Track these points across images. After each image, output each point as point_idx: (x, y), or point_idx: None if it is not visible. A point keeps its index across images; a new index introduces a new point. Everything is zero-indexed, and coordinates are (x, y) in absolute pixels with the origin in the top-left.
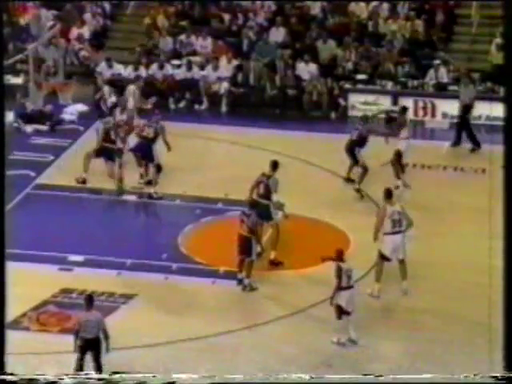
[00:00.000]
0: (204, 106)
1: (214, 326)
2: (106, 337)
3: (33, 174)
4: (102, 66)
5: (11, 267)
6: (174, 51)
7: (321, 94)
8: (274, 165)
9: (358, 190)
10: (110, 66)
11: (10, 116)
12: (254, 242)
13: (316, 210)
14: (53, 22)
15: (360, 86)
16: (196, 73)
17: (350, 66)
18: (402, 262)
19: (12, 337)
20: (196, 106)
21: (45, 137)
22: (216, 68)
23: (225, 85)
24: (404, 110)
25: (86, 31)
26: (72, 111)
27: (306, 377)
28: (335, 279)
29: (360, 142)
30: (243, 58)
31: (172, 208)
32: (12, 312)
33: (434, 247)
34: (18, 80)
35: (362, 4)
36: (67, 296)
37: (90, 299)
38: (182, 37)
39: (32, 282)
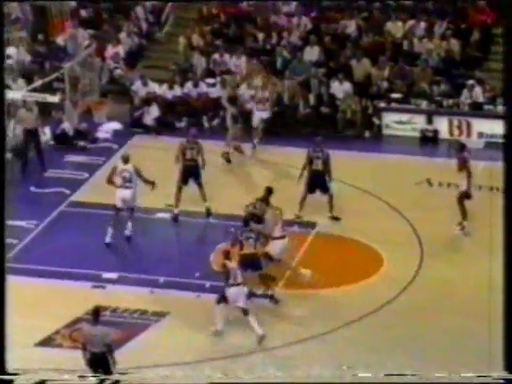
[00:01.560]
0: (238, 124)
1: (246, 344)
2: (110, 351)
3: (67, 191)
4: (136, 85)
5: (45, 284)
6: (209, 69)
7: (355, 112)
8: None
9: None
10: (145, 85)
11: (46, 134)
12: (260, 257)
13: (349, 229)
14: (89, 41)
15: (394, 105)
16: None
17: (384, 84)
18: None
19: (45, 354)
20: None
21: (79, 155)
22: (250, 86)
23: None
24: (462, 147)
25: (121, 50)
26: (106, 129)
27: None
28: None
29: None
30: (277, 76)
31: (205, 225)
32: (45, 329)
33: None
34: (54, 98)
35: (399, 23)
36: (100, 313)
37: (96, 313)
38: (216, 55)
39: (65, 299)
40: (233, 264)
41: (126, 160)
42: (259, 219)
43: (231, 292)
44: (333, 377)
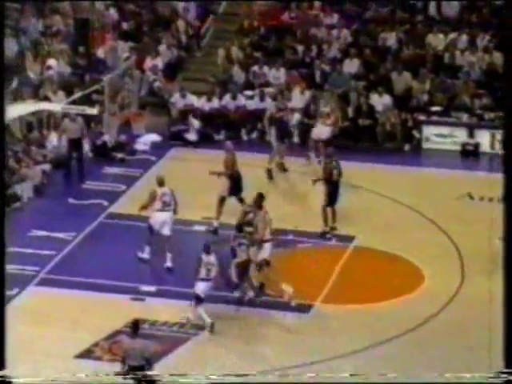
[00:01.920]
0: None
1: (284, 359)
2: (149, 365)
3: (105, 203)
4: (175, 97)
5: (83, 296)
6: (247, 82)
7: (394, 125)
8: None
9: None
10: (184, 97)
11: (85, 146)
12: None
13: (388, 243)
14: (129, 53)
15: (435, 118)
16: (269, 103)
17: (425, 97)
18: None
19: (84, 366)
20: (268, 137)
21: (118, 166)
22: (288, 99)
23: (297, 116)
24: None
25: (160, 62)
26: (145, 141)
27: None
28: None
29: None
30: (316, 88)
31: None
32: (84, 341)
33: None
34: (93, 111)
35: (441, 35)
36: (140, 326)
37: (135, 326)
38: (255, 67)
39: (104, 312)
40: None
41: (161, 183)
42: (250, 224)
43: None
44: None
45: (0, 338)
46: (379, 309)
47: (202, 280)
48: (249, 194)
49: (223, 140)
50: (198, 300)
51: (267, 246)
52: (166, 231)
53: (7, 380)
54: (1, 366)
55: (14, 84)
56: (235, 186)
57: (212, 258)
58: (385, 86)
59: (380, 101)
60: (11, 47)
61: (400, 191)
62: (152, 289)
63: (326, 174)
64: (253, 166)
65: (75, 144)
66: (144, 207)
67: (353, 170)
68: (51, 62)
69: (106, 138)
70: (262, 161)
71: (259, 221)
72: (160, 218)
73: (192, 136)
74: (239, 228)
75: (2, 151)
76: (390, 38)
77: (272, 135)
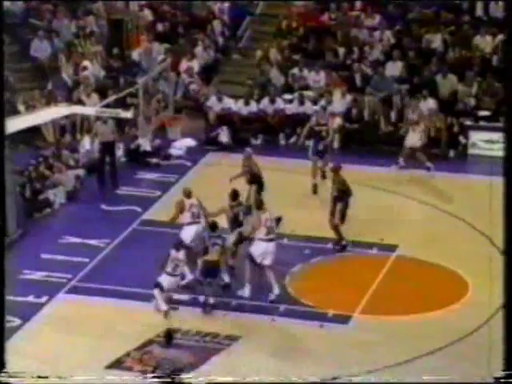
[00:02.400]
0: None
1: (321, 371)
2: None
3: (139, 209)
4: (211, 100)
5: (116, 304)
6: (286, 85)
7: (439, 130)
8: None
9: None
10: (220, 100)
11: (120, 149)
12: (222, 265)
13: (432, 253)
14: (164, 55)
15: (482, 124)
16: (308, 107)
17: (471, 101)
18: None
19: (115, 376)
20: (307, 142)
21: (152, 172)
22: (329, 103)
23: (337, 120)
24: None
25: (195, 64)
26: (180, 146)
27: None
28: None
29: None
30: (358, 92)
31: (280, 247)
32: (116, 351)
33: None
34: (127, 114)
35: (488, 37)
36: (173, 336)
37: (168, 336)
38: (295, 70)
39: (136, 321)
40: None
41: (189, 194)
42: (236, 220)
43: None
44: None
45: (0, 339)
46: (421, 320)
47: (168, 274)
48: (288, 202)
49: (260, 145)
50: (158, 287)
51: (261, 244)
52: (196, 245)
53: (7, 381)
54: (1, 366)
55: (49, 86)
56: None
57: (181, 255)
58: (429, 90)
59: (424, 105)
60: (44, 49)
61: (444, 199)
62: (185, 297)
63: (344, 188)
64: (290, 172)
65: (108, 148)
66: (174, 219)
67: (394, 177)
68: (86, 63)
69: (141, 142)
70: (300, 167)
71: (252, 218)
72: (191, 231)
73: (224, 138)
74: (213, 227)
75: (1, 148)
76: (435, 40)
77: (310, 148)
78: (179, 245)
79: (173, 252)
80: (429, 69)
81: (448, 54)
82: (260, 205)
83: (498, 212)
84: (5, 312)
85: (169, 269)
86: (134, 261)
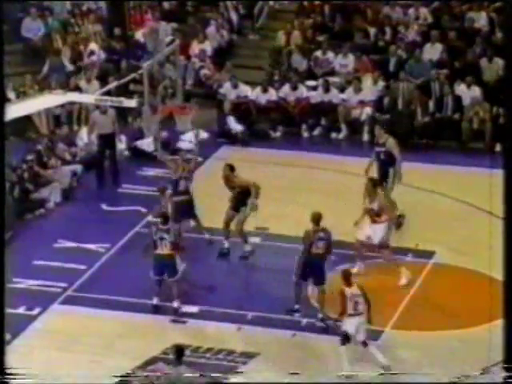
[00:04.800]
0: (342, 134)
1: None
2: None
3: (144, 210)
4: (225, 87)
5: (117, 317)
6: (309, 70)
7: (483, 121)
8: None
9: None
10: (235, 87)
11: (122, 143)
12: (177, 259)
13: (474, 260)
14: (172, 36)
15: None
16: (334, 96)
17: None
18: None
19: None
20: (333, 135)
21: (158, 168)
22: (358, 90)
23: (367, 110)
24: None
25: (208, 47)
26: (190, 138)
27: None
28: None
29: None
30: (390, 78)
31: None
32: (118, 369)
33: None
34: (130, 103)
35: None
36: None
37: (179, 353)
38: (318, 53)
39: (141, 335)
40: (353, 290)
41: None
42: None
43: (350, 324)
44: None
45: (0, 339)
46: (461, 336)
47: (351, 316)
48: (312, 202)
49: (280, 138)
50: (364, 344)
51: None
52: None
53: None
54: (1, 365)
55: (43, 70)
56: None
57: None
58: (473, 76)
59: (467, 92)
60: (37, 28)
61: (489, 199)
62: (194, 309)
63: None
64: (314, 169)
65: (107, 141)
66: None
67: (432, 174)
68: (93, 46)
69: (145, 134)
70: (325, 162)
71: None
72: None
73: (236, 128)
74: (165, 218)
75: (1, 148)
76: (479, 19)
77: None
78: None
79: (347, 289)
80: (472, 52)
81: (494, 34)
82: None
83: None
84: (5, 312)
85: (350, 310)
86: (137, 268)
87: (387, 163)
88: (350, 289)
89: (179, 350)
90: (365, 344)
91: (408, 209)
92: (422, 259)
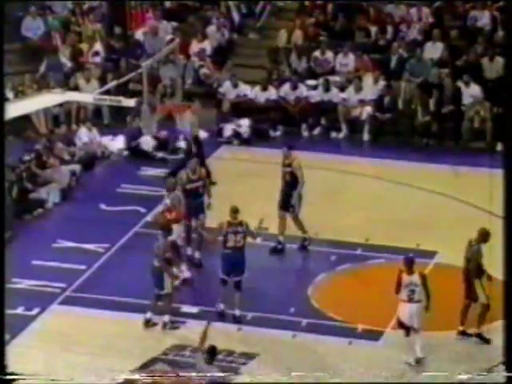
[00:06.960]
0: (342, 133)
1: None
2: None
3: (143, 210)
4: (225, 86)
5: (116, 317)
6: (310, 69)
7: (484, 121)
8: None
9: None
10: (235, 86)
11: (120, 142)
12: (165, 273)
13: None
14: (172, 35)
15: None
16: (334, 95)
17: None
18: None
19: None
20: (333, 134)
21: (157, 167)
22: (358, 89)
23: (368, 109)
24: None
25: (208, 46)
26: (190, 138)
27: None
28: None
29: None
30: (391, 77)
31: (302, 253)
32: (118, 370)
33: None
34: (129, 102)
35: None
36: (179, 353)
37: (212, 352)
38: (317, 52)
39: (140, 336)
40: (413, 278)
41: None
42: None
43: (403, 310)
44: None
45: (0, 339)
46: (462, 337)
47: (409, 301)
48: (312, 201)
49: (280, 137)
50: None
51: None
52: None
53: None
54: (1, 366)
55: (42, 69)
56: None
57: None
58: (474, 74)
59: (468, 91)
60: (37, 27)
61: (489, 199)
62: (194, 310)
63: None
64: (313, 168)
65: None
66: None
67: (433, 174)
68: (98, 46)
69: (144, 140)
70: (324, 162)
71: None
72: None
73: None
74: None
75: (1, 148)
76: (482, 18)
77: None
78: None
79: (405, 276)
80: (474, 51)
81: (496, 33)
82: None
83: None
84: (5, 312)
85: (405, 295)
86: (136, 268)
87: (291, 185)
88: (409, 276)
89: (212, 350)
90: (416, 331)
91: (409, 208)
92: (424, 259)
